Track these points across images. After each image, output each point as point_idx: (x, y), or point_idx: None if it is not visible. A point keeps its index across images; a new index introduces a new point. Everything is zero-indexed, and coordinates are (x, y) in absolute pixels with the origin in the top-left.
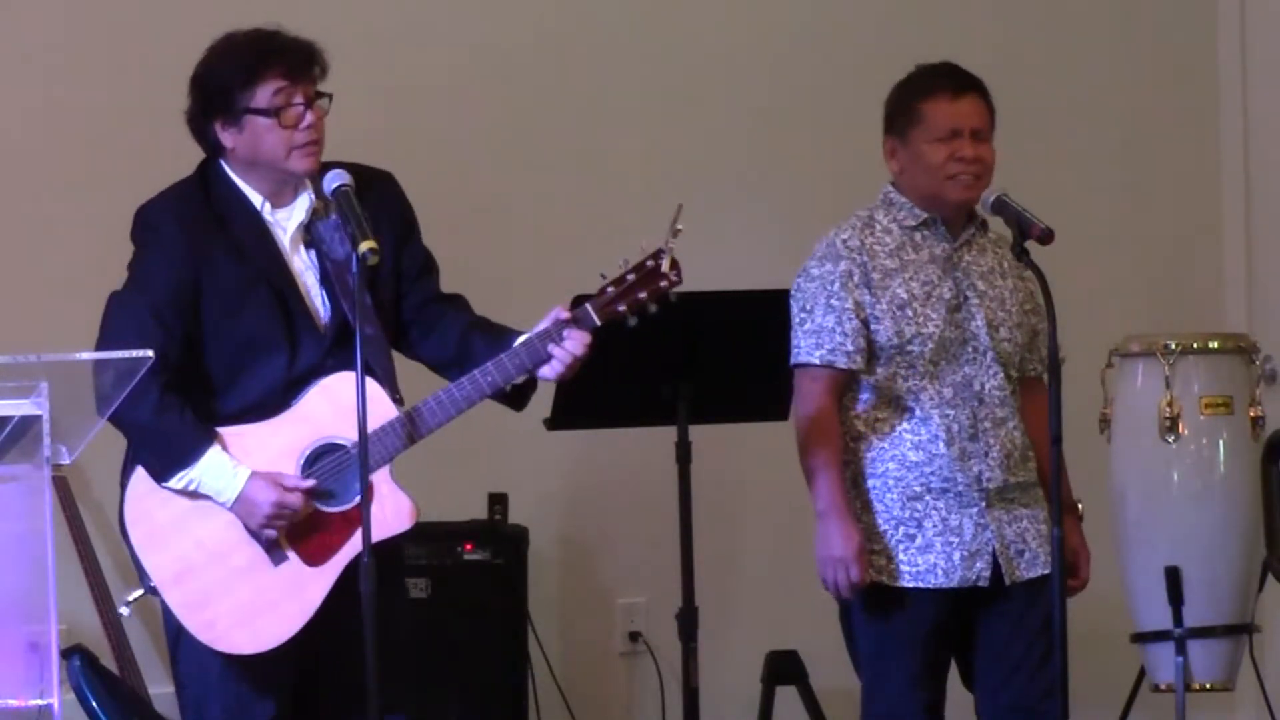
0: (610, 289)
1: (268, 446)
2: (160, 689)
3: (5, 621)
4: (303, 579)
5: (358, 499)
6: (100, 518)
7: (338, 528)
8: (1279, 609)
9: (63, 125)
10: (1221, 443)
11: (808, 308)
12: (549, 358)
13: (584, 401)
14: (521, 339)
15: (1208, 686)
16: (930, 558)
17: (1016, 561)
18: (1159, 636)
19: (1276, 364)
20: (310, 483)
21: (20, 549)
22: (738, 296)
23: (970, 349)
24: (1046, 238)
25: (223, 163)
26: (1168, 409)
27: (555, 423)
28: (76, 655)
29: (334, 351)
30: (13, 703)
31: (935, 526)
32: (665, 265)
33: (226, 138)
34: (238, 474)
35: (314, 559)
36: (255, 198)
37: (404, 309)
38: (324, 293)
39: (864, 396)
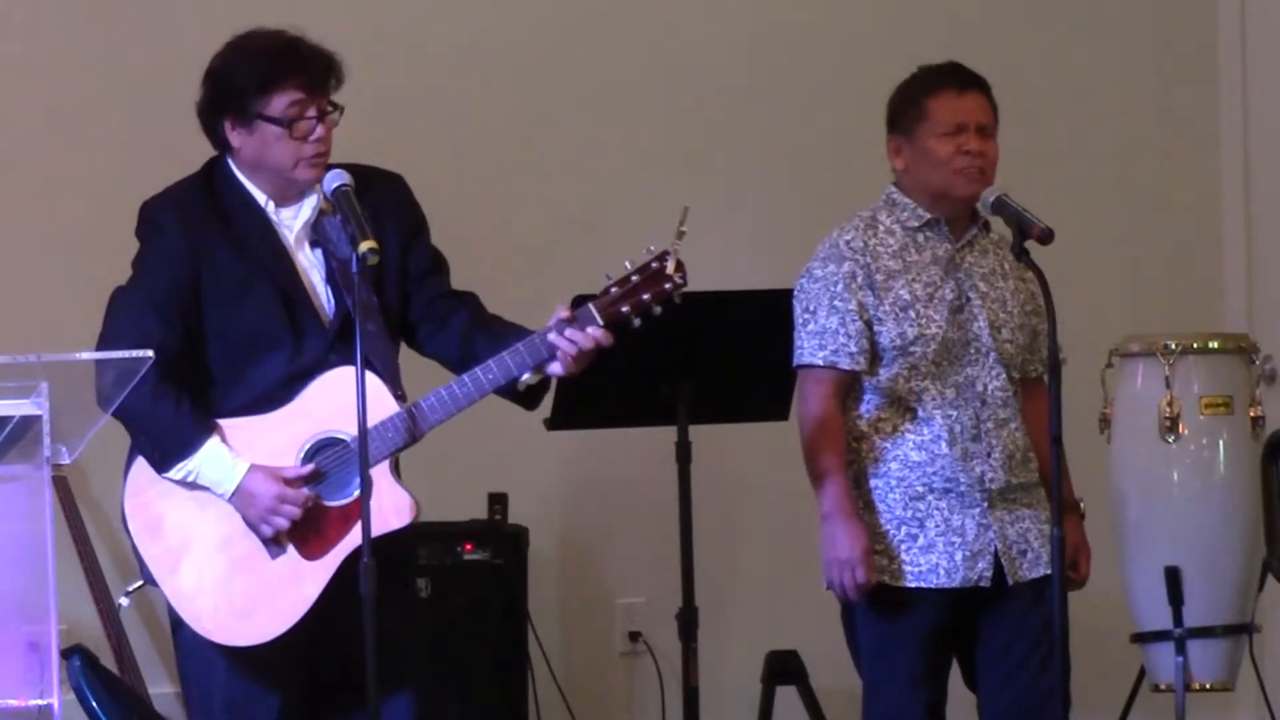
0: (614, 289)
1: (267, 439)
2: (160, 689)
3: (5, 621)
4: (300, 572)
5: (357, 493)
6: (100, 517)
7: (336, 522)
8: (1279, 609)
9: (63, 125)
10: (1221, 443)
11: (811, 309)
12: (551, 355)
13: (584, 401)
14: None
15: (1208, 686)
16: (932, 558)
17: (1019, 562)
18: (1159, 636)
19: (1276, 364)
20: (309, 468)
21: (20, 549)
22: (738, 297)
23: (973, 350)
24: (1046, 237)
25: (229, 161)
26: (1168, 409)
27: (555, 423)
28: (76, 655)
29: (337, 347)
30: (13, 703)
31: (938, 527)
32: (670, 267)
33: (235, 137)
34: (236, 466)
35: (311, 552)
36: (260, 196)
37: (412, 307)
38: (329, 290)
39: (867, 397)
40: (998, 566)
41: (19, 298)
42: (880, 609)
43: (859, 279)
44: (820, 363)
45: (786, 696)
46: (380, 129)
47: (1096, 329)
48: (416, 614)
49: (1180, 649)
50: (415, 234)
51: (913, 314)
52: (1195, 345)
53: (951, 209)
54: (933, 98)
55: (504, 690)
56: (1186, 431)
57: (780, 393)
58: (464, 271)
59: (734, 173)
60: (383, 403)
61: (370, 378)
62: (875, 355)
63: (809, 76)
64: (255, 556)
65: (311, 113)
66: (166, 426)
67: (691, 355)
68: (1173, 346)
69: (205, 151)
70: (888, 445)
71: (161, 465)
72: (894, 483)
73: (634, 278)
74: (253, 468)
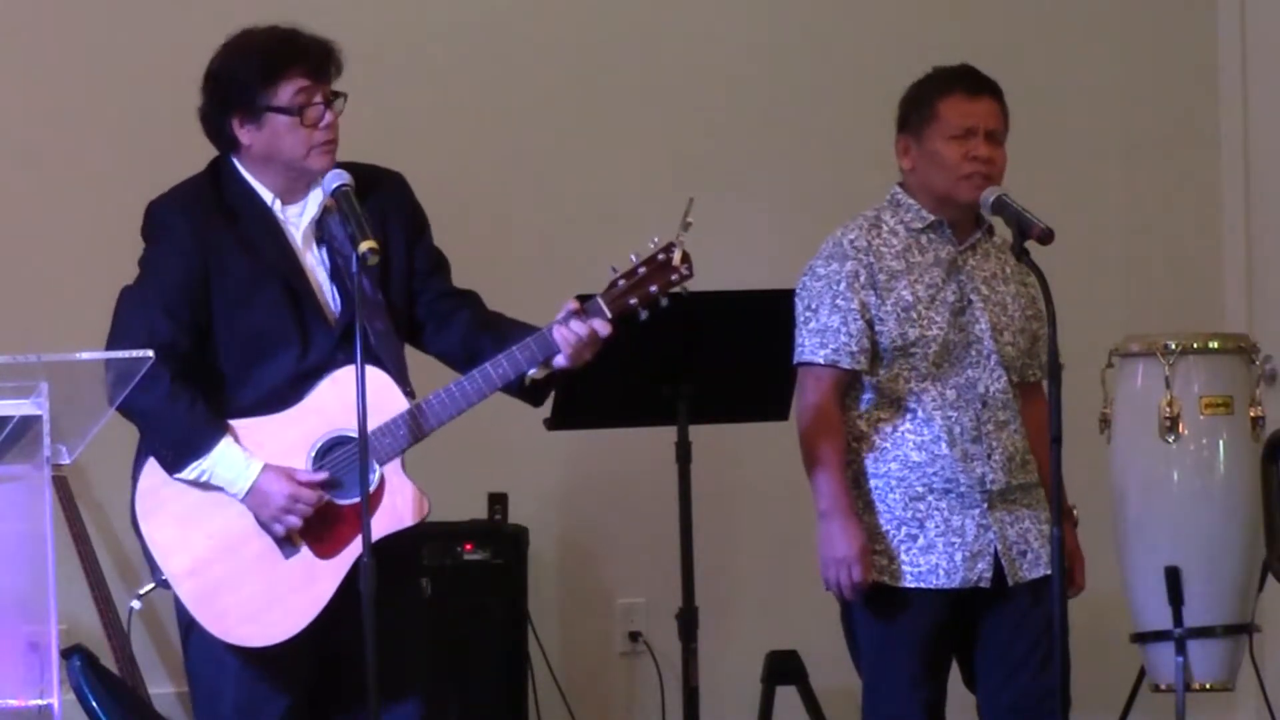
0: (621, 281)
1: (279, 439)
2: (160, 689)
3: (5, 621)
4: (314, 572)
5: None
6: (100, 518)
7: (349, 520)
8: (1279, 609)
9: (64, 125)
10: (1221, 443)
11: (813, 307)
12: (560, 348)
13: (584, 401)
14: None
15: (1208, 686)
16: (932, 558)
17: (1019, 562)
18: (1159, 636)
19: (1276, 364)
20: (323, 475)
21: (20, 549)
22: (738, 296)
23: (974, 352)
24: (1046, 237)
25: (234, 160)
26: (1168, 409)
27: (555, 423)
28: (76, 655)
29: (344, 346)
30: (13, 703)
31: (937, 527)
32: (677, 258)
33: (244, 134)
34: (250, 466)
35: (325, 552)
36: (266, 194)
37: (417, 307)
38: (334, 288)
39: (866, 397)
40: (998, 567)
41: (19, 298)
42: (880, 609)
43: (862, 278)
44: (821, 361)
45: (786, 696)
46: (380, 129)
47: (1096, 329)
48: (423, 614)
49: (1180, 649)
50: (419, 233)
51: (914, 315)
52: (1195, 345)
53: (955, 212)
54: (944, 100)
55: (504, 690)
56: (1186, 431)
57: (780, 393)
58: (465, 271)
59: (735, 173)
60: (393, 400)
61: (380, 375)
62: (876, 355)
63: (811, 76)
64: (269, 556)
65: (318, 99)
66: (181, 426)
67: (692, 355)
68: (1173, 346)
69: (206, 150)
70: (887, 445)
71: (175, 465)
72: (894, 483)
73: (641, 269)
74: (266, 467)
